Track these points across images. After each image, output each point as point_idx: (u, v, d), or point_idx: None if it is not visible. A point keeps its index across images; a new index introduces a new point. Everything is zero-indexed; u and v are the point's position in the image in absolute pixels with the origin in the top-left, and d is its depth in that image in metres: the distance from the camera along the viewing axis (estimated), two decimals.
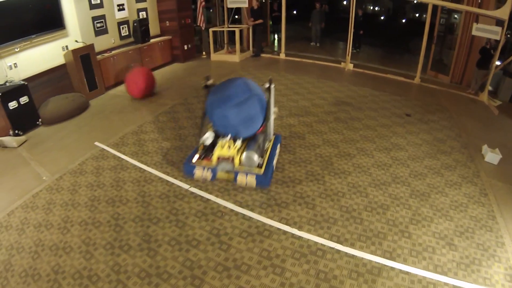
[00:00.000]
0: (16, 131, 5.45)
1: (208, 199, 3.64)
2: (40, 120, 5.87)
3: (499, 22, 6.62)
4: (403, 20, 18.48)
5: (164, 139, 5.10)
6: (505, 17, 6.38)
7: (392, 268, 2.82)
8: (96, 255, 3.06)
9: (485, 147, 4.85)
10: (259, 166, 3.84)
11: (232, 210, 3.45)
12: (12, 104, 5.37)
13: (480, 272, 2.87)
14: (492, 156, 4.66)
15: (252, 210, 3.45)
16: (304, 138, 4.95)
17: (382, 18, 20.51)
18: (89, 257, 3.04)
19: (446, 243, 3.15)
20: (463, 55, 7.92)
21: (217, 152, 3.91)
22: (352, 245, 3.04)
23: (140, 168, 4.37)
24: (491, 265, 2.96)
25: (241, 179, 3.82)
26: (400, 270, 2.81)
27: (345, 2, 19.97)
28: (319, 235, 3.13)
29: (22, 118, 5.58)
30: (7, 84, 5.43)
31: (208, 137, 4.08)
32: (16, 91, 5.45)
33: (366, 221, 3.36)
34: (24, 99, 5.55)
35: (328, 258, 2.89)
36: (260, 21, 9.80)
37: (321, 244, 3.04)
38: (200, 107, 6.14)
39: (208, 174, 3.96)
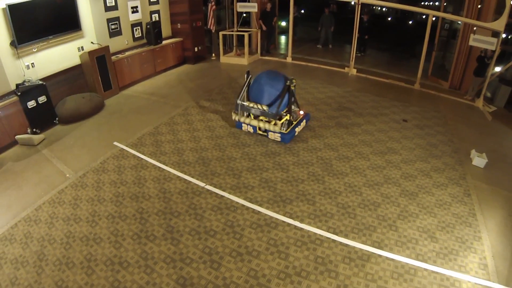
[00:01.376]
0: (34, 129, 5.70)
1: (222, 196, 4.17)
2: (57, 118, 6.13)
3: (495, 34, 7.01)
4: (410, 22, 18.62)
5: (179, 140, 5.56)
6: (501, 29, 6.74)
7: (380, 256, 3.33)
8: (124, 245, 3.52)
9: (473, 152, 5.27)
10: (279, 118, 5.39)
11: (243, 205, 3.98)
12: (31, 104, 5.61)
13: (457, 261, 3.36)
14: (479, 160, 5.09)
15: (260, 205, 3.98)
16: (307, 142, 5.46)
17: (389, 19, 20.57)
18: (118, 246, 3.49)
19: (428, 236, 3.64)
20: (461, 62, 8.28)
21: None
22: (346, 236, 3.56)
23: (160, 167, 4.84)
24: (467, 255, 3.44)
25: (271, 134, 5.43)
26: (387, 257, 3.32)
27: (352, 3, 20.09)
28: (318, 227, 3.66)
29: (40, 117, 5.81)
30: (25, 83, 5.62)
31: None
32: (34, 90, 5.68)
33: (359, 216, 3.87)
34: (42, 99, 5.80)
35: (325, 246, 3.41)
36: (264, 27, 10.31)
37: (320, 234, 3.56)
38: (212, 110, 6.64)
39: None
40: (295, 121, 5.61)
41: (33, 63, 5.89)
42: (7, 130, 5.43)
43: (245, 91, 5.57)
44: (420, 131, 6.05)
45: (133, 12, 8.11)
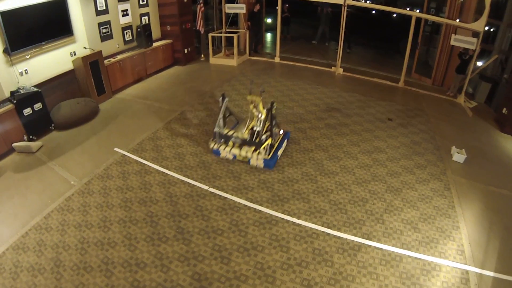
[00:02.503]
0: (31, 137, 5.69)
1: (225, 197, 4.49)
2: (53, 125, 6.11)
3: (475, 34, 7.45)
4: (394, 15, 18.96)
5: (179, 145, 5.75)
6: (481, 29, 7.17)
7: (369, 246, 3.74)
8: (139, 247, 3.72)
9: (453, 148, 5.72)
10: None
11: (245, 205, 4.32)
12: (27, 111, 5.60)
13: (437, 248, 3.79)
14: (458, 156, 5.54)
15: (261, 204, 4.33)
16: (299, 144, 5.82)
17: (373, 12, 20.77)
18: (133, 249, 3.71)
19: (411, 227, 4.06)
20: (444, 59, 8.76)
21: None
22: (338, 229, 3.95)
23: (163, 172, 5.04)
24: (446, 243, 3.88)
25: (253, 161, 5.08)
26: (375, 247, 3.73)
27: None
28: (313, 223, 4.04)
29: (36, 124, 5.80)
30: (20, 91, 5.58)
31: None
32: (30, 98, 5.65)
33: (350, 211, 4.27)
34: (38, 106, 5.79)
35: (321, 239, 3.80)
36: (247, 28, 10.64)
37: (315, 229, 3.95)
38: (207, 114, 6.90)
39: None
40: (276, 143, 5.33)
41: (26, 70, 5.87)
42: (4, 138, 5.41)
43: (221, 118, 5.24)
44: (404, 129, 6.48)
45: (123, 15, 8.13)
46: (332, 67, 9.82)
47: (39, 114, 5.89)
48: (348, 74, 9.54)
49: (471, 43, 7.36)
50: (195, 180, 4.87)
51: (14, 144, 5.52)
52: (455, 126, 6.84)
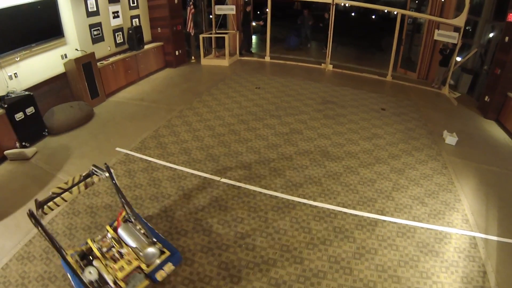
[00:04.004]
0: (23, 143, 5.38)
1: (239, 186, 4.57)
2: (46, 130, 5.85)
3: (456, 29, 7.95)
4: (373, 16, 19.78)
5: (183, 141, 5.76)
6: (461, 24, 7.68)
7: (384, 221, 3.95)
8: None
9: (445, 132, 6.10)
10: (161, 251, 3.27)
11: (260, 192, 4.43)
12: (19, 116, 5.30)
13: (445, 219, 4.05)
14: (451, 139, 5.92)
15: (275, 191, 4.45)
16: (302, 133, 6.01)
17: (353, 14, 21.60)
18: None
19: (419, 202, 4.31)
20: (427, 54, 9.25)
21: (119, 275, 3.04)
22: (354, 208, 4.14)
23: (171, 168, 5.00)
24: (452, 214, 4.15)
25: (161, 274, 3.13)
26: (390, 221, 3.94)
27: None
28: (329, 203, 4.21)
29: (28, 129, 5.51)
30: (10, 95, 5.28)
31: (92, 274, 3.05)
32: (22, 102, 5.38)
33: (361, 191, 4.47)
34: (30, 110, 5.50)
35: (339, 218, 3.97)
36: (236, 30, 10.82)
37: (332, 209, 4.11)
38: (207, 111, 6.97)
39: None
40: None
41: (16, 73, 5.60)
42: None
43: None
44: (397, 117, 6.82)
45: (114, 17, 8.05)
46: (322, 64, 10.13)
47: (32, 119, 5.61)
48: (337, 70, 9.87)
49: (453, 38, 7.86)
50: (205, 173, 4.90)
51: (6, 152, 5.19)
52: (443, 114, 7.25)
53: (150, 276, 3.14)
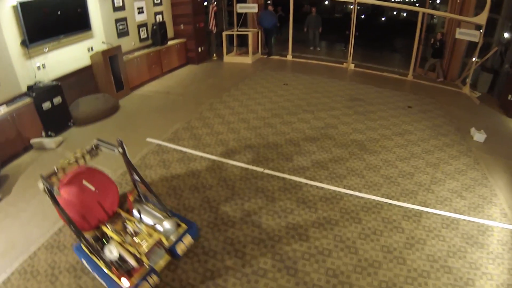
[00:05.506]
0: (49, 133, 5.46)
1: (284, 178, 4.75)
2: (71, 120, 5.95)
3: (477, 27, 8.09)
4: (383, 19, 20.04)
5: (218, 133, 5.84)
6: (483, 22, 7.83)
7: (428, 212, 4.14)
8: (203, 234, 3.62)
9: (473, 129, 6.26)
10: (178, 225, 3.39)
11: (306, 184, 4.62)
12: (46, 105, 5.39)
13: (484, 212, 4.22)
14: (479, 136, 6.07)
15: (321, 182, 4.65)
16: (337, 128, 6.20)
17: (362, 16, 21.86)
18: (201, 235, 3.61)
19: (457, 195, 4.50)
20: (448, 54, 9.39)
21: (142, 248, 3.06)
22: (398, 200, 4.33)
23: (209, 158, 5.06)
24: (490, 207, 4.32)
25: (181, 247, 3.24)
26: (433, 213, 4.13)
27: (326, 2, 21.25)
28: (374, 195, 4.41)
29: (55, 119, 5.59)
30: (38, 85, 5.39)
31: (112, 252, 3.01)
32: (50, 91, 5.48)
33: (401, 184, 4.67)
34: (57, 100, 5.60)
35: (386, 209, 4.16)
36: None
37: (378, 200, 4.31)
38: (238, 105, 7.15)
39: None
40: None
41: (43, 64, 5.71)
42: (21, 134, 5.14)
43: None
44: (424, 115, 6.99)
45: (139, 13, 8.28)
46: (344, 63, 10.29)
47: (58, 109, 5.72)
48: (359, 69, 10.04)
49: (475, 36, 8.00)
50: (247, 164, 5.01)
51: (32, 140, 5.29)
52: (467, 111, 7.41)
53: (171, 250, 3.19)
